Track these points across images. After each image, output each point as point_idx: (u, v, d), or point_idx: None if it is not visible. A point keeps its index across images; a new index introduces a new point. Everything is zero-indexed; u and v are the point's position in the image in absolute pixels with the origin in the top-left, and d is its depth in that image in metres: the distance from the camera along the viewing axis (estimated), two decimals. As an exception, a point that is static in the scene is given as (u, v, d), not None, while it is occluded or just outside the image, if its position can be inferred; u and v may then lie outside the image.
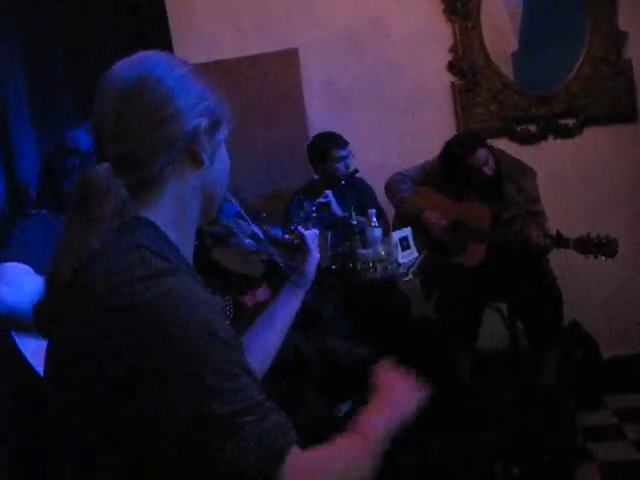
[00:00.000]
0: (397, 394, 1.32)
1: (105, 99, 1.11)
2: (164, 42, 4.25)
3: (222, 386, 0.97)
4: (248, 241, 1.75)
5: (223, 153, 1.21)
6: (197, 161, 1.14)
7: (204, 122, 1.13)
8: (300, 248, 1.79)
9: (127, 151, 1.09)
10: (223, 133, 1.20)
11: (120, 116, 1.09)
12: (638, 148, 4.19)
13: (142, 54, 1.16)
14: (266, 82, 4.38)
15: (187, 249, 1.16)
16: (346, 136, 4.03)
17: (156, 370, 0.96)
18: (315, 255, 1.79)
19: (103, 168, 1.09)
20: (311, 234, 1.81)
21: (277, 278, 1.82)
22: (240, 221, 1.74)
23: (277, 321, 1.69)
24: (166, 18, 4.37)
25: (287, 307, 1.73)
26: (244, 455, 0.95)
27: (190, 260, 1.18)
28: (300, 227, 1.90)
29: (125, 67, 1.14)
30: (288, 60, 4.40)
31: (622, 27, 4.30)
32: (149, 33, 4.18)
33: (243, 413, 0.97)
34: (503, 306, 3.99)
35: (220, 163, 1.19)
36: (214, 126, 1.16)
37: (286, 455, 0.98)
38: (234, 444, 0.95)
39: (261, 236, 1.78)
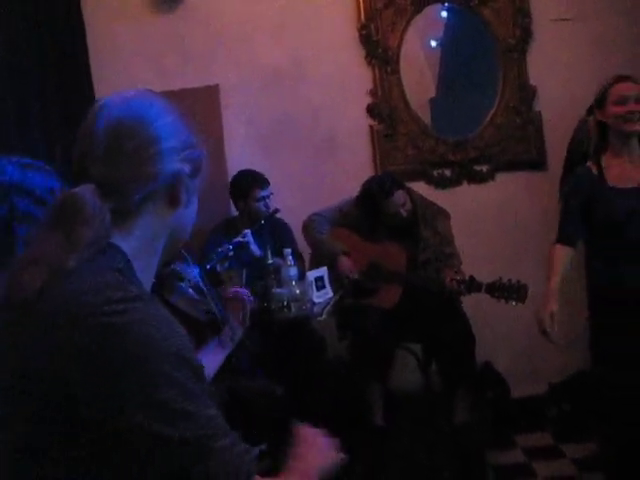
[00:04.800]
0: (315, 452, 1.32)
1: (98, 125, 1.17)
2: (85, 76, 4.20)
3: (196, 412, 1.02)
4: (191, 291, 1.80)
5: (195, 199, 1.27)
6: (175, 202, 1.21)
7: (187, 167, 1.21)
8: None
9: (113, 177, 1.14)
10: (199, 182, 1.27)
11: (112, 146, 1.15)
12: (547, 195, 4.33)
13: (140, 93, 1.24)
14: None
15: (147, 282, 1.21)
16: (265, 175, 4.05)
17: (130, 391, 0.99)
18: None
19: (89, 189, 1.13)
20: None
21: (214, 330, 1.86)
22: (188, 269, 1.80)
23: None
24: (87, 54, 4.31)
25: (212, 359, 1.75)
26: (212, 478, 1.00)
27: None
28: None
29: (121, 102, 1.21)
30: (209, 96, 4.39)
31: (532, 81, 4.48)
32: (71, 68, 4.13)
33: (214, 438, 1.02)
34: (417, 347, 4.04)
35: (192, 208, 1.27)
36: (195, 173, 1.24)
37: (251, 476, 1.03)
38: (203, 467, 1.00)
39: (203, 288, 1.82)
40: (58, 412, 1.02)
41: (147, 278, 1.21)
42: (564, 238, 3.15)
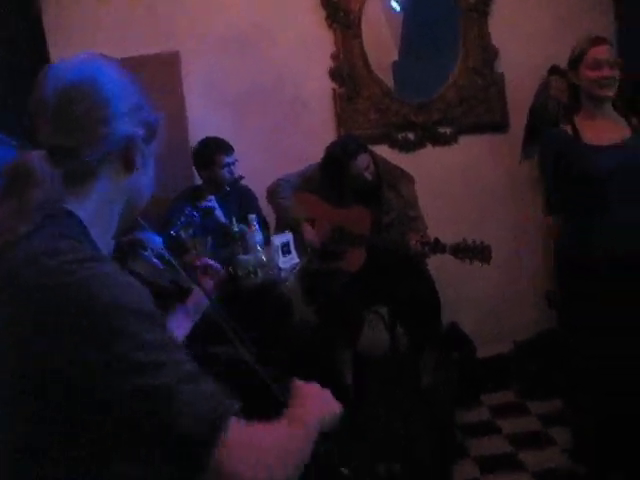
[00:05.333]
0: (315, 400, 1.32)
1: (47, 91, 1.15)
2: (41, 43, 4.12)
3: (156, 360, 1.01)
4: (155, 260, 1.79)
5: (151, 165, 1.28)
6: (129, 166, 1.21)
7: (141, 131, 1.21)
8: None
9: (65, 142, 1.14)
10: (155, 147, 1.28)
11: (63, 110, 1.14)
12: (509, 157, 4.37)
13: (89, 56, 1.22)
14: (146, 85, 4.29)
15: (105, 248, 1.21)
16: (229, 141, 4.02)
17: (87, 350, 0.99)
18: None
19: (39, 155, 1.12)
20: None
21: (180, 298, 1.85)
22: (151, 238, 1.78)
23: None
24: (42, 22, 4.22)
25: (178, 327, 1.74)
26: (180, 420, 0.99)
27: None
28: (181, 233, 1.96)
29: (71, 66, 1.19)
30: (169, 63, 4.34)
31: (494, 43, 4.48)
32: (26, 34, 4.05)
33: (179, 382, 1.01)
34: (384, 309, 4.07)
35: (148, 173, 1.27)
36: (149, 137, 1.24)
37: (223, 423, 1.01)
38: (169, 410, 0.99)
39: (168, 256, 1.80)
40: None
41: (104, 244, 1.21)
42: (555, 208, 3.15)
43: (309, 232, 3.84)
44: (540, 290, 4.43)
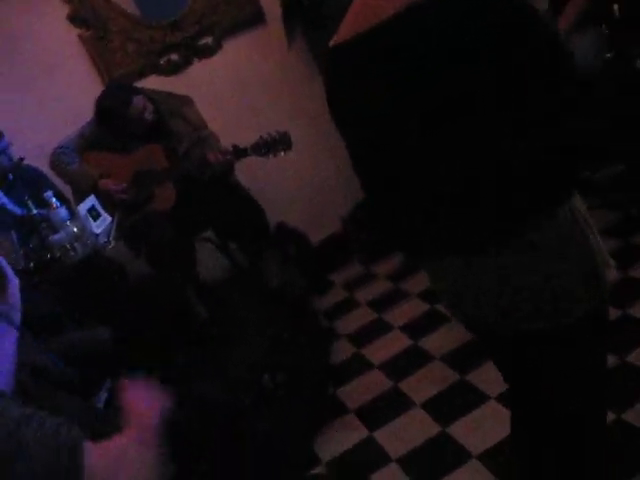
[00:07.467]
0: (146, 404, 1.31)
1: None
2: None
3: None
4: None
5: None
6: None
7: None
8: None
9: None
10: None
11: None
12: (275, 47, 4.37)
13: None
14: None
15: None
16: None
17: None
18: (13, 281, 1.72)
19: None
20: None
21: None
22: None
23: None
24: None
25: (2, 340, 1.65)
26: (34, 462, 0.98)
27: None
28: None
29: None
30: None
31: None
32: None
33: (19, 426, 1.00)
34: (210, 233, 4.09)
35: None
36: None
37: (79, 448, 1.02)
38: (21, 457, 0.98)
39: None
40: None
41: None
42: None
43: (109, 184, 3.71)
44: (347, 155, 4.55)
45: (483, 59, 1.26)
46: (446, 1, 1.28)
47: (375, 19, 1.35)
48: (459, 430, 2.74)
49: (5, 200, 3.50)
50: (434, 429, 2.80)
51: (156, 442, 1.23)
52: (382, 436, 2.91)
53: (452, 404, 2.90)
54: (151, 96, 3.77)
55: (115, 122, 3.67)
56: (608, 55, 2.97)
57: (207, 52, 4.44)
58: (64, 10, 4.19)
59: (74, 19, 4.22)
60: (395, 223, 1.61)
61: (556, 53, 1.32)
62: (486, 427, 2.67)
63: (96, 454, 1.05)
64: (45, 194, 3.39)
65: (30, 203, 3.41)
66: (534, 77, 1.29)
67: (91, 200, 3.53)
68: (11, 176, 3.59)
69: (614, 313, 2.76)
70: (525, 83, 1.29)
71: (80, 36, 4.23)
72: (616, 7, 2.95)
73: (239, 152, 3.67)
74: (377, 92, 1.39)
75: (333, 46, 1.49)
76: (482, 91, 1.29)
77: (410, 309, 3.79)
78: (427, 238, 1.52)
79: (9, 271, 1.77)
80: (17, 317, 1.73)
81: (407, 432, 2.86)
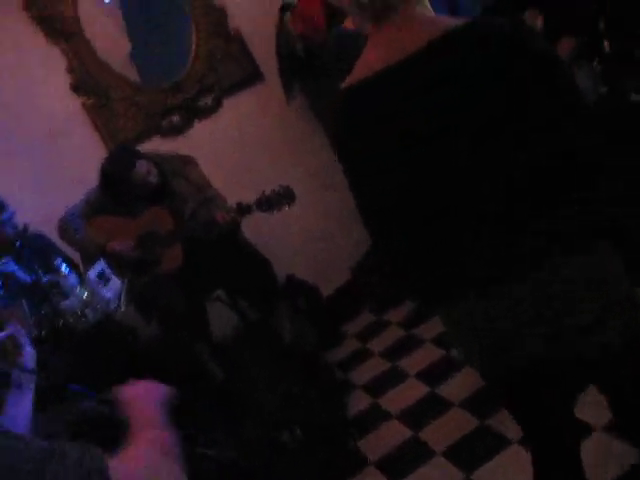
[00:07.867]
0: (150, 406, 1.33)
1: None
2: None
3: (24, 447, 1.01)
4: None
5: None
6: None
7: None
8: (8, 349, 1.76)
9: None
10: None
11: None
12: (274, 103, 4.43)
13: None
14: None
15: None
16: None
17: None
18: (29, 350, 1.75)
19: None
20: (18, 330, 1.79)
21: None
22: None
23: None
24: None
25: (17, 409, 1.67)
26: None
27: None
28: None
29: None
30: None
31: (216, 2, 4.45)
32: None
33: (45, 462, 1.00)
34: (220, 292, 4.08)
35: None
36: None
37: (104, 469, 1.03)
38: None
39: None
40: None
41: None
42: None
43: (118, 245, 3.72)
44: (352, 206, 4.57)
45: (501, 77, 1.41)
46: (462, 32, 1.44)
47: (401, 54, 1.46)
48: (483, 476, 2.69)
49: (15, 268, 3.51)
50: (457, 477, 2.75)
51: (168, 436, 1.24)
52: (405, 487, 2.86)
53: (474, 451, 2.86)
54: (155, 159, 3.80)
55: (119, 186, 3.69)
56: (603, 89, 3.00)
57: (207, 112, 4.50)
58: (67, 79, 4.28)
59: (77, 88, 4.30)
60: (418, 266, 1.61)
61: (555, 61, 1.45)
62: (509, 472, 2.63)
63: (122, 471, 1.07)
64: (55, 261, 3.41)
65: (40, 271, 3.42)
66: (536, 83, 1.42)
67: (100, 264, 3.54)
68: (18, 244, 3.60)
69: None
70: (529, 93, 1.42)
71: (83, 104, 4.30)
72: (606, 43, 2.99)
73: (243, 209, 3.67)
74: (420, 118, 1.46)
75: (349, 86, 1.50)
76: (507, 107, 1.42)
77: (424, 356, 3.76)
78: (465, 267, 1.52)
79: (25, 340, 1.79)
80: (31, 385, 1.74)
81: (430, 482, 2.82)
